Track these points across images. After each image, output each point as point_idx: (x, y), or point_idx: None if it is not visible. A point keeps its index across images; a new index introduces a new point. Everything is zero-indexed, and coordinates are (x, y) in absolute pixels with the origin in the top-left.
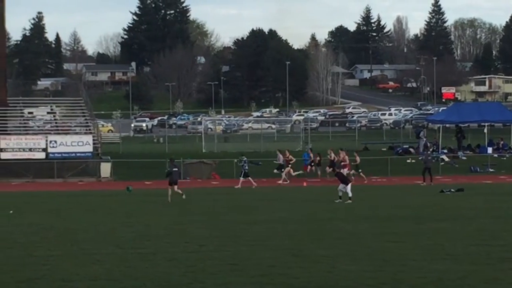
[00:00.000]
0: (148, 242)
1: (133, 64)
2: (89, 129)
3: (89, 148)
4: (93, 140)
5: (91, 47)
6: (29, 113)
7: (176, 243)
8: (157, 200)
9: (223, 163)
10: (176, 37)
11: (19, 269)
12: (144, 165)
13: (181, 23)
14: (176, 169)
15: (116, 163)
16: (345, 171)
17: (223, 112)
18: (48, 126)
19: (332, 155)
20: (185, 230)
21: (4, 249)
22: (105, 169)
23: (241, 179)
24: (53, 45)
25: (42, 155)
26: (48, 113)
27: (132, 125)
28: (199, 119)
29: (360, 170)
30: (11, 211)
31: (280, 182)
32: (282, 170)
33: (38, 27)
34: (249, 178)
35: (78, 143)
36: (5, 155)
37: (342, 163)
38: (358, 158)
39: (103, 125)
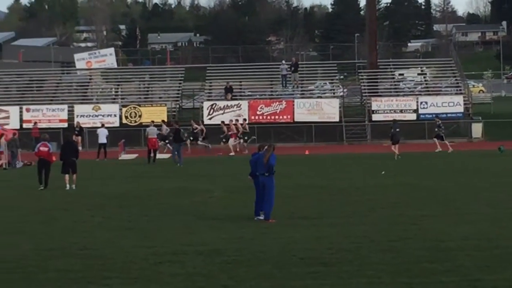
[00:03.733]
0: None
1: (504, 23)
2: (460, 90)
3: (460, 109)
4: (464, 100)
5: (461, 8)
6: (400, 74)
7: None
8: None
9: None
10: None
11: (390, 228)
12: None
13: None
14: (398, 129)
15: (487, 123)
16: (231, 140)
17: None
18: (419, 87)
19: (195, 125)
20: None
21: (377, 209)
22: (477, 129)
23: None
24: (423, 7)
25: (413, 116)
26: (418, 74)
27: None
28: None
29: (246, 138)
30: (383, 172)
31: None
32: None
33: None
34: (437, 140)
35: (449, 104)
36: (376, 117)
37: (230, 133)
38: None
39: (473, 86)
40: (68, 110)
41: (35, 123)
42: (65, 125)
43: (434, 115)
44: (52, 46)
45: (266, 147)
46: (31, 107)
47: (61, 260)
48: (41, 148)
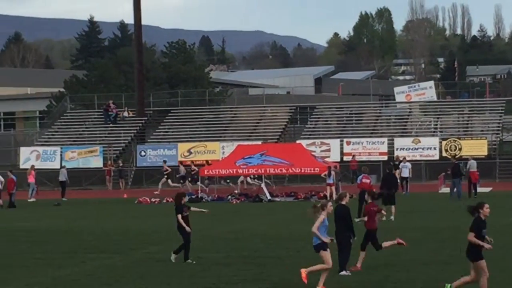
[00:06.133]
0: None
1: None
2: None
3: None
4: None
5: None
6: None
7: None
8: None
9: None
10: None
11: None
12: None
13: None
14: None
15: None
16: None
17: None
18: None
19: (193, 167)
20: None
21: None
22: None
23: None
24: None
25: None
26: None
27: None
28: None
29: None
30: None
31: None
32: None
33: None
34: None
35: None
36: None
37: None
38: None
39: None
40: (388, 143)
41: (353, 156)
42: (385, 158)
43: None
44: (370, 79)
45: None
46: (352, 140)
47: None
48: (364, 180)
